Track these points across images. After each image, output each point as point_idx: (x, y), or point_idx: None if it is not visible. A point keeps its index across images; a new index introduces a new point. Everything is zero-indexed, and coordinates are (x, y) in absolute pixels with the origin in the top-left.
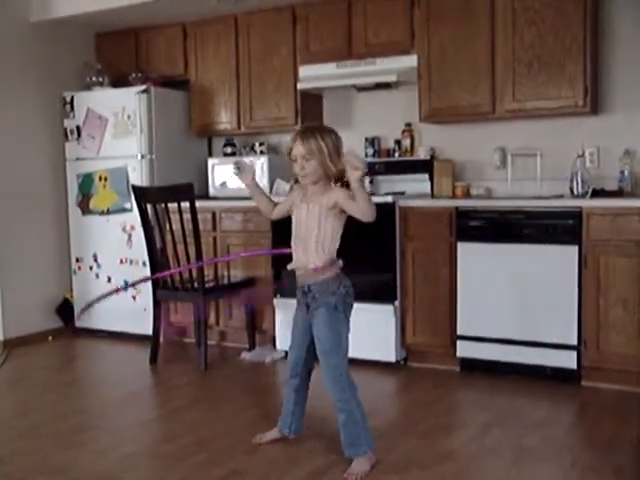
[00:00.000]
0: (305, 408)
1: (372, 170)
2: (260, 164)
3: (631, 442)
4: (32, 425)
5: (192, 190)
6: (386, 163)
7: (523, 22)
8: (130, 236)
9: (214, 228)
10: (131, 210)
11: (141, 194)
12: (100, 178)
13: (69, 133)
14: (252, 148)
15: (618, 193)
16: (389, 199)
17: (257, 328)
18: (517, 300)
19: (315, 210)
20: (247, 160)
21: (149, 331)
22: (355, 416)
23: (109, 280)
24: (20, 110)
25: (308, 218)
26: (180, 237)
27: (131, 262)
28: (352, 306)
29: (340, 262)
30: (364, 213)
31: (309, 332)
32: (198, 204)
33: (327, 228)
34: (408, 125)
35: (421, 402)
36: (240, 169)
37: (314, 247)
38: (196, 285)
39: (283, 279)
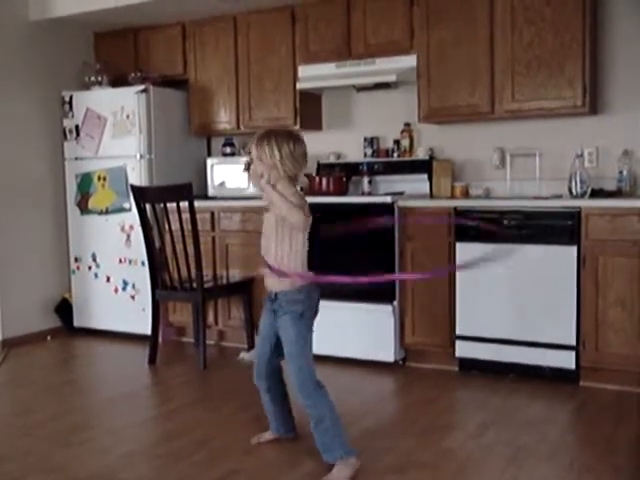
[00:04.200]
0: (289, 406)
1: (371, 170)
2: None
3: (629, 442)
4: (31, 424)
5: (191, 190)
6: (385, 163)
7: (522, 21)
8: (129, 236)
9: (213, 228)
10: (130, 210)
11: (140, 194)
12: (99, 178)
13: (68, 133)
14: None
15: (617, 193)
16: (388, 199)
17: (256, 327)
18: (516, 300)
19: (272, 219)
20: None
21: (148, 331)
22: (324, 423)
23: (108, 280)
24: (19, 109)
25: (268, 227)
26: (179, 237)
27: (130, 262)
28: (317, 312)
29: (310, 274)
30: (283, 218)
31: (274, 335)
32: (197, 204)
33: (284, 238)
34: (407, 125)
35: (419, 402)
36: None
37: (273, 256)
38: (195, 285)
39: None
